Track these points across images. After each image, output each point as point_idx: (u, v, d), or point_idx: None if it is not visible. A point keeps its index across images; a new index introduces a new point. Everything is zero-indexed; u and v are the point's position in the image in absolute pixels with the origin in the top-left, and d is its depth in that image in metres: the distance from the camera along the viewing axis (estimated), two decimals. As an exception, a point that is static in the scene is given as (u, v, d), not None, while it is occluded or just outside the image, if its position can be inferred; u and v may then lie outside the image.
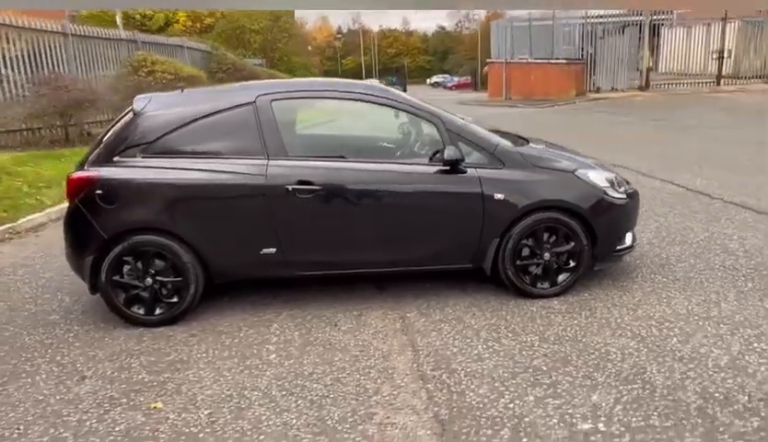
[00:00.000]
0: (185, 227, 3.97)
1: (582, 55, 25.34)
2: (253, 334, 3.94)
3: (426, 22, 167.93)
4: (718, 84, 25.04)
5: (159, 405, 3.11)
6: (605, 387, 3.09)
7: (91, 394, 3.24)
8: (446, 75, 71.72)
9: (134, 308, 4.07)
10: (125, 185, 3.93)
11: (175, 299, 4.07)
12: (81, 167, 4.05)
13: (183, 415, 3.01)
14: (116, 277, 4.01)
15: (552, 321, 3.91)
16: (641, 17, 25.05)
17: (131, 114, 4.08)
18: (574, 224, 4.21)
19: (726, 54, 25.44)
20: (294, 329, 3.99)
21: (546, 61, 26.20)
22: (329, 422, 2.91)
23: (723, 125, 14.14)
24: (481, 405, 2.98)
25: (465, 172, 4.10)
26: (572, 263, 4.31)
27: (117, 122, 4.22)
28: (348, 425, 2.87)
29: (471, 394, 3.08)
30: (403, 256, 4.25)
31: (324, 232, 4.11)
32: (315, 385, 3.26)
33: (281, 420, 2.94)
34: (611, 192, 4.31)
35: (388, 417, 2.92)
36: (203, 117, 4.03)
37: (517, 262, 4.26)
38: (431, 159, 4.16)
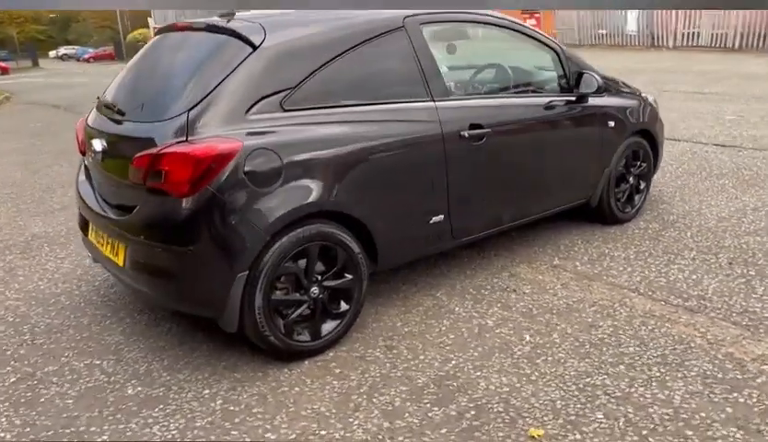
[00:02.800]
0: (359, 204, 2.85)
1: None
2: (470, 312, 3.10)
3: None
4: None
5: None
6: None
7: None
8: (76, 47, 63.12)
9: (297, 336, 2.78)
10: (282, 154, 2.59)
11: (343, 308, 2.92)
12: (180, 136, 2.50)
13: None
14: (274, 296, 2.67)
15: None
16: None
17: (246, 49, 2.66)
18: (647, 145, 4.41)
19: None
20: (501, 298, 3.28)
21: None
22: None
23: None
24: None
25: (588, 101, 3.88)
26: (642, 185, 4.51)
27: (214, 59, 2.70)
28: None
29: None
30: (546, 201, 3.86)
31: (489, 184, 3.44)
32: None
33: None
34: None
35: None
36: (349, 50, 2.88)
37: (615, 189, 4.27)
38: (563, 90, 3.81)
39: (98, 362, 2.89)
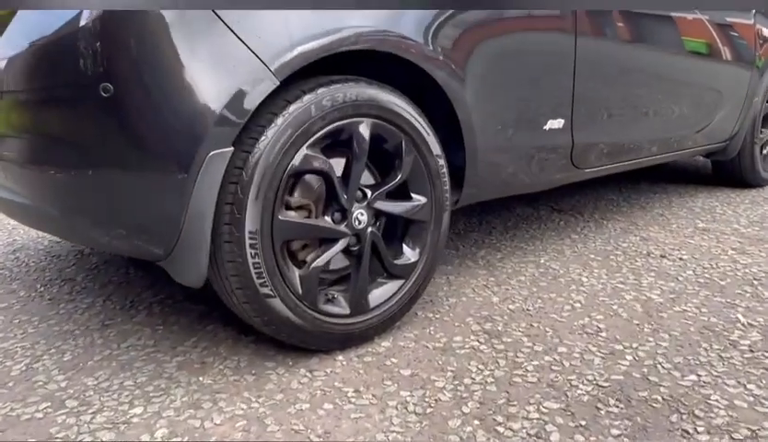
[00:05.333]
0: (447, 64, 1.54)
1: None
2: (610, 282, 1.77)
3: None
4: None
5: None
6: None
7: None
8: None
9: (325, 304, 1.43)
10: None
11: (408, 258, 1.57)
12: None
13: None
14: (282, 216, 1.33)
15: None
16: None
17: None
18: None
19: None
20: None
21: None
22: None
23: None
24: None
25: None
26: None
27: None
28: None
29: None
30: (689, 136, 2.58)
31: (630, 87, 2.15)
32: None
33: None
34: None
35: None
36: None
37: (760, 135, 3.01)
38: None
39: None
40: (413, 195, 1.55)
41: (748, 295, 1.78)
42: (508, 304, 1.75)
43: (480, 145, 1.68)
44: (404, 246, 1.58)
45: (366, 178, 1.53)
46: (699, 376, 1.35)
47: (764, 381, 1.32)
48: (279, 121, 1.27)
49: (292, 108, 1.28)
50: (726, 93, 2.72)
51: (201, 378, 1.37)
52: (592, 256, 2.15)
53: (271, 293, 1.31)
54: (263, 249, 1.28)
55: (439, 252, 1.62)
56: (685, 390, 1.29)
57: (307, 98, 1.30)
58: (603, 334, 1.55)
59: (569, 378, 1.35)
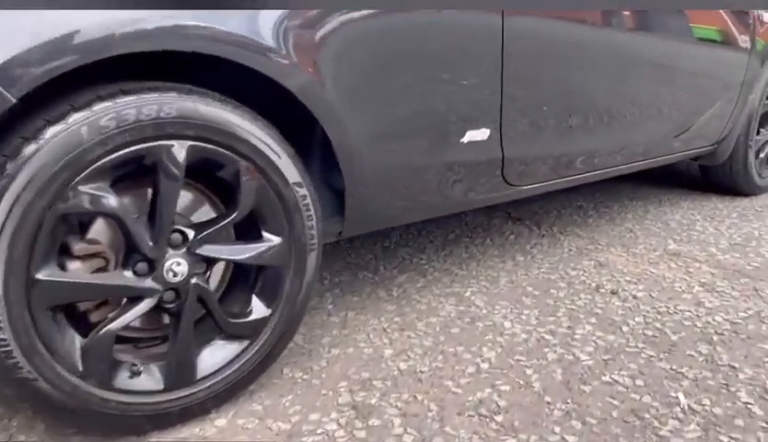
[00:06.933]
0: (304, 67, 1.17)
1: None
2: (535, 332, 1.43)
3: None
4: None
5: None
6: None
7: None
8: None
9: (127, 378, 1.10)
10: None
11: (255, 313, 1.24)
12: None
13: None
14: (44, 273, 0.99)
15: None
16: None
17: None
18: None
19: None
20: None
21: None
22: None
23: None
24: None
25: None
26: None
27: None
28: None
29: None
30: (661, 141, 2.20)
31: (582, 85, 1.77)
32: None
33: None
34: None
35: None
36: None
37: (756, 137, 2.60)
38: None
39: None
40: (264, 234, 1.21)
41: (701, 359, 1.42)
42: (400, 361, 1.42)
43: (365, 167, 1.33)
44: (254, 298, 1.24)
45: (208, 214, 1.20)
46: (602, 499, 1.02)
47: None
48: (28, 150, 0.93)
49: (50, 132, 0.94)
50: (713, 87, 2.31)
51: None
52: (529, 289, 1.80)
53: (31, 376, 0.99)
54: (11, 320, 0.96)
55: (301, 305, 1.29)
56: None
57: (75, 117, 0.96)
58: (499, 418, 1.22)
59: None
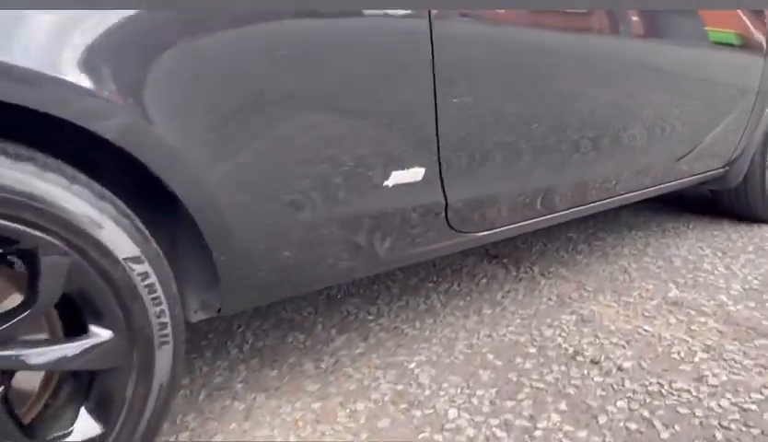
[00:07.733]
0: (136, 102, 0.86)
1: None
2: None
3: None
4: None
5: None
6: None
7: None
8: None
9: None
10: None
11: (75, 436, 0.92)
12: None
13: None
14: None
15: None
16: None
17: None
18: None
19: None
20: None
21: None
22: None
23: None
24: None
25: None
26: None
27: None
28: None
29: None
30: (655, 168, 1.85)
31: (549, 103, 1.44)
32: None
33: None
34: None
35: None
36: None
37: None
38: None
39: None
40: (91, 329, 0.90)
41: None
42: (301, 476, 1.09)
43: (240, 227, 1.01)
44: (83, 411, 0.93)
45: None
46: None
47: None
48: None
49: None
50: (723, 97, 1.96)
51: None
52: (490, 357, 1.47)
53: None
54: None
55: (155, 416, 0.97)
56: None
57: None
58: None
59: None
